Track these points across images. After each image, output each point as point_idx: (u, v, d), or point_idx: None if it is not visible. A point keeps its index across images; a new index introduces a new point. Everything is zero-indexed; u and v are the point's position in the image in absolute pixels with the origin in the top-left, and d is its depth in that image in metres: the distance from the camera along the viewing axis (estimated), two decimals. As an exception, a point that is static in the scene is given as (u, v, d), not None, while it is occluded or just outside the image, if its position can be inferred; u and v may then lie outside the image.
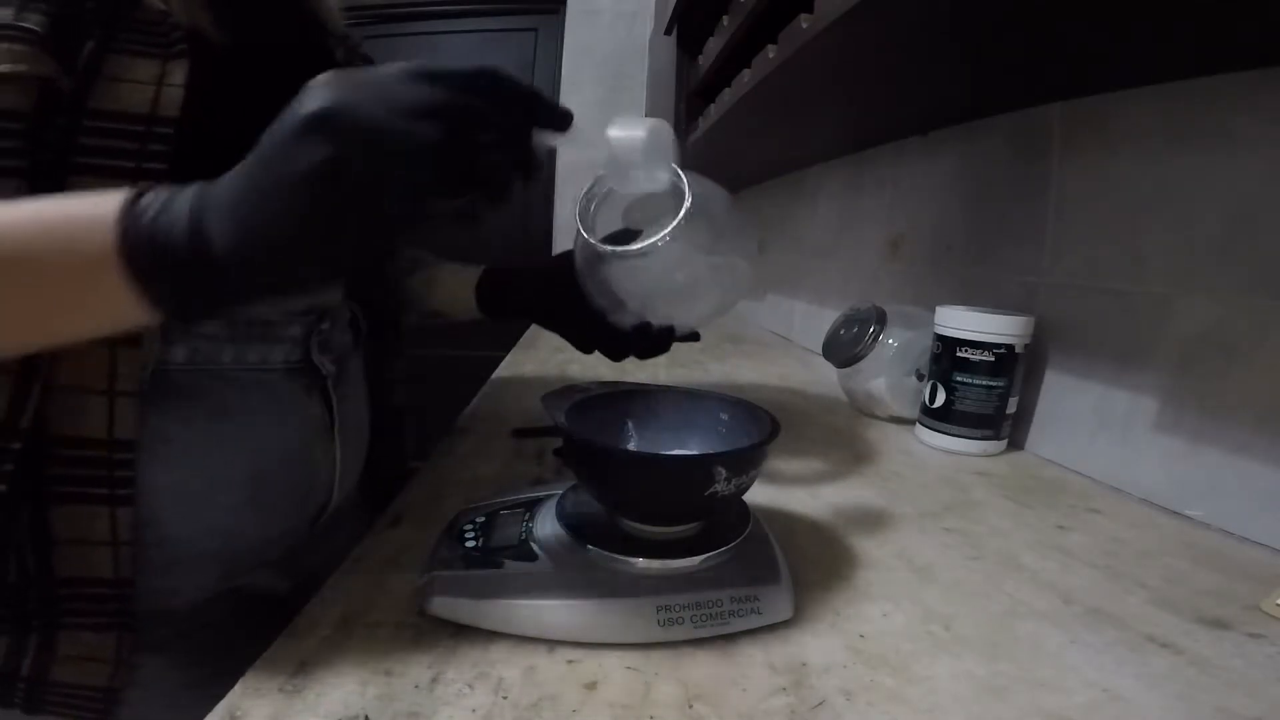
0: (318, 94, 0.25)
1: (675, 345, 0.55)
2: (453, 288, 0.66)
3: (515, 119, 0.30)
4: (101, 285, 0.26)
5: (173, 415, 0.40)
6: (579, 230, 0.39)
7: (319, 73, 0.27)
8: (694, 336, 0.60)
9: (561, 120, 0.31)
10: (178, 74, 0.35)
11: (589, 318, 0.46)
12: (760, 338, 1.40)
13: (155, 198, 0.27)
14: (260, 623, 0.33)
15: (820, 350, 0.80)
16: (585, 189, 0.40)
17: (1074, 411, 0.61)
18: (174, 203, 0.26)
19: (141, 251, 0.26)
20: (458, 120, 0.27)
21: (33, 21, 0.32)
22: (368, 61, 0.55)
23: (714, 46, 1.00)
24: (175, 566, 0.41)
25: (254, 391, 0.44)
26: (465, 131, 0.27)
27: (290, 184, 0.25)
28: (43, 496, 0.36)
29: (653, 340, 0.53)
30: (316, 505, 0.50)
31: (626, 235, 0.42)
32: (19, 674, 0.36)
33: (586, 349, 0.60)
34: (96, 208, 0.26)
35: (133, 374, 0.37)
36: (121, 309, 0.27)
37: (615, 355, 0.58)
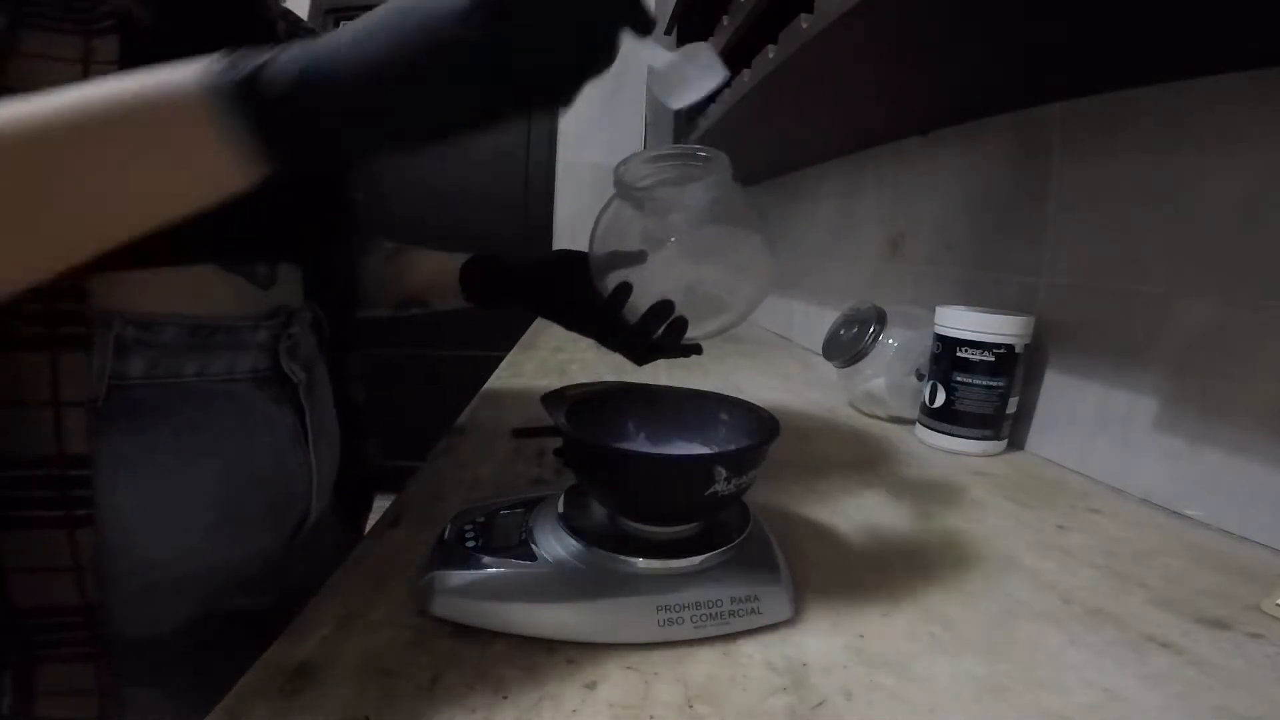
0: None
1: None
2: (433, 271, 0.62)
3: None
4: (195, 138, 0.25)
5: (134, 434, 0.37)
6: (616, 192, 0.42)
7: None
8: (697, 349, 0.58)
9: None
10: (106, 51, 0.32)
11: (593, 308, 0.46)
12: (760, 338, 1.40)
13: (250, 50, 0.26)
14: (249, 645, 0.32)
15: (820, 350, 0.80)
16: (624, 159, 0.42)
17: (1074, 411, 0.61)
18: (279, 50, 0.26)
19: (242, 83, 0.25)
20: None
21: None
22: (311, 35, 0.52)
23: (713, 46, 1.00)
24: (152, 593, 0.39)
25: (221, 405, 0.41)
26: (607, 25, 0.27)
27: (440, 15, 0.25)
28: None
29: (670, 329, 0.48)
30: (294, 520, 0.47)
31: (618, 259, 0.45)
32: (0, 714, 0.34)
33: (611, 343, 0.56)
34: (179, 68, 0.25)
35: (78, 381, 0.34)
36: (220, 161, 0.26)
37: (638, 357, 0.55)
